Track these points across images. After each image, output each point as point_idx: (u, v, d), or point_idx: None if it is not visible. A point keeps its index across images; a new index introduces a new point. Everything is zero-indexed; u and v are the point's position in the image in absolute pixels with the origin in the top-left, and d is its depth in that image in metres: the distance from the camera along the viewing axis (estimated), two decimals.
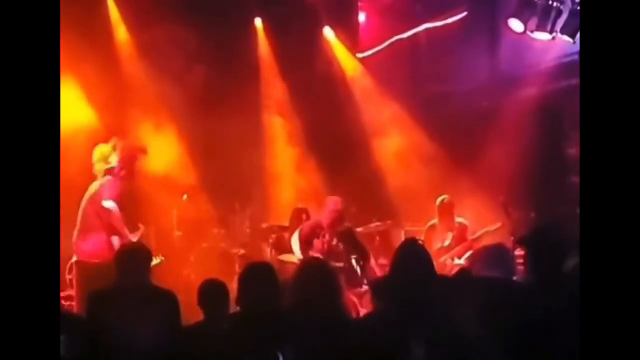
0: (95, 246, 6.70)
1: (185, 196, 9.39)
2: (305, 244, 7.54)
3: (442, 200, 8.34)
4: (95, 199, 6.76)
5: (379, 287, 4.81)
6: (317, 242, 7.56)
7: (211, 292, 4.51)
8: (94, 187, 6.90)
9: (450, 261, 8.06)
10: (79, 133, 8.46)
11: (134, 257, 4.73)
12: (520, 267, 4.66)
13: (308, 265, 4.34)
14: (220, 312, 4.42)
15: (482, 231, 8.25)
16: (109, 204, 6.67)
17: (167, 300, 4.57)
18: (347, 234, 7.58)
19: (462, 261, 7.99)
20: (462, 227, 8.34)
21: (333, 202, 7.71)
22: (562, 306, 3.63)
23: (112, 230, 6.69)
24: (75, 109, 8.96)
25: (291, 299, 4.09)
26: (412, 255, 4.01)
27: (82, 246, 6.75)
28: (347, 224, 7.74)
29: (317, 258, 5.40)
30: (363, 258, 7.39)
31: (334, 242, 7.54)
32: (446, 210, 8.32)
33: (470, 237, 8.28)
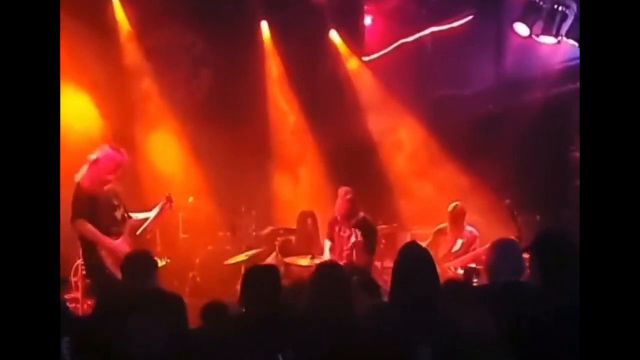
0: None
1: (190, 199, 9.39)
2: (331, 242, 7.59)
3: (454, 207, 8.25)
4: None
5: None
6: (336, 238, 7.56)
7: None
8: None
9: (453, 270, 7.99)
10: (82, 136, 8.48)
11: (140, 263, 4.75)
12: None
13: (322, 270, 4.33)
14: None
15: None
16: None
17: (174, 304, 4.59)
18: (362, 223, 7.52)
19: (463, 272, 7.86)
20: (471, 237, 8.20)
21: (343, 192, 7.66)
22: (567, 309, 3.64)
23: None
24: (79, 113, 8.99)
25: (305, 302, 4.10)
26: (414, 257, 4.01)
27: None
28: (361, 213, 7.65)
29: (332, 262, 5.39)
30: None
31: (350, 233, 7.46)
32: (457, 217, 8.23)
33: (479, 247, 8.10)
